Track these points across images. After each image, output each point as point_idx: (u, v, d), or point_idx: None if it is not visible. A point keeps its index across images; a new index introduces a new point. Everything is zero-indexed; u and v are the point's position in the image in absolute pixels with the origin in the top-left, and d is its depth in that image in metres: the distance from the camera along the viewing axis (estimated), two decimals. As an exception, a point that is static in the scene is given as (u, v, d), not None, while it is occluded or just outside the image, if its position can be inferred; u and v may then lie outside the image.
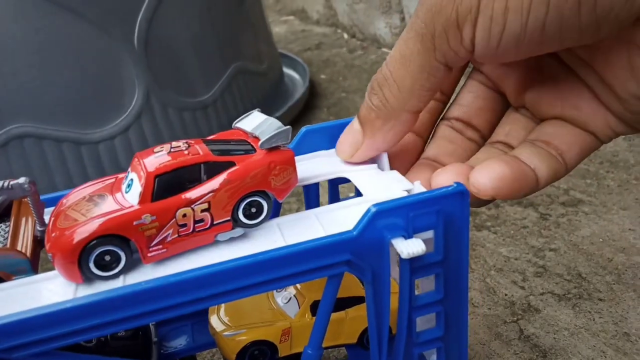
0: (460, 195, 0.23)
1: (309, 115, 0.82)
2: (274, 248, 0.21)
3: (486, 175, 0.25)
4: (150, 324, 0.31)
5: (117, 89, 0.64)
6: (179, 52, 0.69)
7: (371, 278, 0.23)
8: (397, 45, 0.26)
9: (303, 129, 0.33)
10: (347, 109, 0.82)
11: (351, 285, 0.29)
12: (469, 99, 0.31)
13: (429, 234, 0.24)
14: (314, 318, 0.27)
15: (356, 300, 0.29)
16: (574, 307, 0.39)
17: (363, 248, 0.23)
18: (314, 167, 0.32)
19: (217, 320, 0.28)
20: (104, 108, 0.65)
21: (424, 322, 0.27)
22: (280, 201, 0.25)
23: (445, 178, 0.25)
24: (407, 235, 0.23)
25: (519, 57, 0.25)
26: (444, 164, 0.29)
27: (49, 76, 0.60)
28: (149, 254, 0.22)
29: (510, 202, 0.52)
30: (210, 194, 0.22)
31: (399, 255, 0.23)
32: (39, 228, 0.25)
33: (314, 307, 0.28)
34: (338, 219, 0.25)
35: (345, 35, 1.25)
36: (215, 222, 0.23)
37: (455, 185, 0.23)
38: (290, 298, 0.29)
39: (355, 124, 0.28)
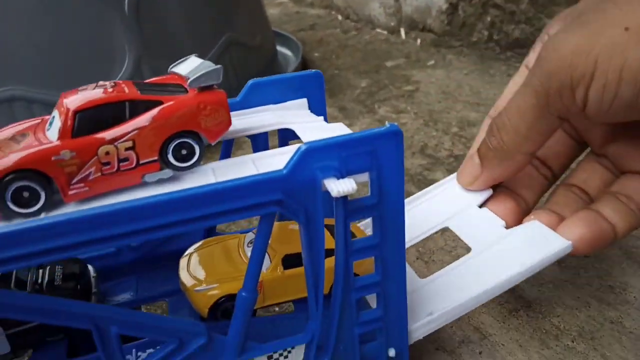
0: (393, 136, 0.23)
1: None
2: (202, 185, 0.21)
3: (568, 236, 0.29)
4: (92, 277, 0.30)
5: (108, 55, 0.63)
6: (170, 19, 0.67)
7: (304, 219, 0.23)
8: (514, 97, 0.30)
9: (250, 81, 0.32)
10: (340, 86, 0.82)
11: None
12: (550, 142, 0.33)
13: (364, 176, 0.23)
14: (286, 272, 0.28)
15: (327, 253, 0.29)
16: (560, 263, 0.40)
17: (294, 188, 0.22)
18: (260, 119, 0.31)
19: (187, 275, 0.28)
20: (94, 73, 0.63)
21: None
22: (212, 143, 0.24)
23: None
24: (340, 176, 0.22)
25: (628, 119, 0.27)
26: (521, 194, 0.35)
27: (39, 40, 0.59)
28: (70, 192, 0.21)
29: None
30: (135, 132, 0.22)
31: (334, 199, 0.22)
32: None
33: (286, 261, 0.28)
34: (275, 164, 0.24)
35: (340, 17, 1.25)
36: (141, 162, 0.22)
37: (388, 125, 0.23)
38: None
39: (475, 158, 0.33)
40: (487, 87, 0.74)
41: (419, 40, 0.98)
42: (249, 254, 0.29)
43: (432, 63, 0.87)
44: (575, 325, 0.35)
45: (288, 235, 0.30)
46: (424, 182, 0.53)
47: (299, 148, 0.22)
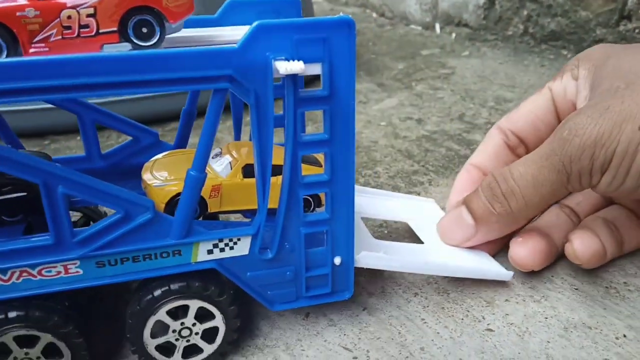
0: (346, 26, 0.23)
1: None
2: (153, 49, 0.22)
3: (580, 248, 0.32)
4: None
5: None
6: None
7: (254, 101, 0.24)
8: (529, 167, 0.31)
9: (228, 0, 0.33)
10: (377, 67, 0.85)
11: None
12: None
13: (317, 68, 0.24)
14: (245, 180, 0.29)
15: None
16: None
17: (246, 66, 0.23)
18: (232, 33, 0.32)
19: (150, 175, 0.29)
20: None
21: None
22: (173, 25, 0.25)
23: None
24: (291, 60, 0.23)
25: (627, 199, 0.34)
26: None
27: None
28: (31, 50, 0.22)
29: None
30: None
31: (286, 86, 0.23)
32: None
33: (246, 170, 0.29)
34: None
35: (374, 14, 1.28)
36: (101, 31, 0.23)
37: (340, 15, 0.23)
38: (225, 164, 0.30)
39: (467, 218, 0.32)
40: (521, 75, 0.76)
41: (453, 35, 1.01)
42: (213, 165, 0.30)
43: (466, 54, 0.89)
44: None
45: (252, 148, 0.30)
46: (464, 141, 0.55)
47: (252, 25, 0.23)
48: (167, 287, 0.25)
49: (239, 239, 0.26)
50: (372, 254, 0.29)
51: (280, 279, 0.27)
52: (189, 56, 0.22)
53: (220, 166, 0.30)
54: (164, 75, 0.22)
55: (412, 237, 0.37)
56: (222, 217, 0.37)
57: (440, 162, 0.51)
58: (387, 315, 0.31)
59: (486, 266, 0.32)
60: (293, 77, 0.23)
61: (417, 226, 0.36)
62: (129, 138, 0.35)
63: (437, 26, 1.12)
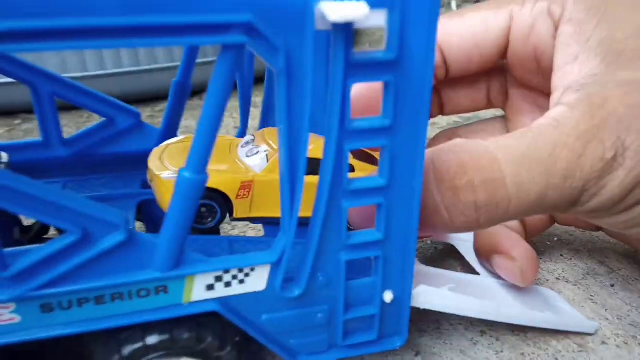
0: (430, -49, 0.15)
1: None
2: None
3: None
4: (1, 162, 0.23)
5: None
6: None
7: (285, 64, 0.15)
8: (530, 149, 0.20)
9: None
10: None
11: None
12: None
13: (380, 16, 0.16)
14: None
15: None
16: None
17: (273, 9, 0.15)
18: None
19: (158, 163, 0.22)
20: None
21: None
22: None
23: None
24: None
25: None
26: None
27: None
28: None
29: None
30: None
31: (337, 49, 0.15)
32: None
33: None
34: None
35: None
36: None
37: None
38: (257, 152, 0.22)
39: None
40: None
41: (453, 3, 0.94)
42: (241, 154, 0.22)
43: None
44: None
45: None
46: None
47: (285, -57, 0.14)
48: (141, 343, 0.17)
49: (252, 269, 0.18)
50: (434, 291, 0.21)
51: (308, 323, 0.19)
52: (186, -11, 0.14)
53: (252, 157, 0.22)
54: (156, 19, 0.13)
55: (459, 262, 0.29)
56: (231, 231, 0.29)
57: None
58: (446, 363, 0.23)
59: (567, 316, 0.24)
60: (346, 30, 0.15)
61: (465, 249, 0.28)
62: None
63: (453, 3, 1.05)
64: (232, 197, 0.21)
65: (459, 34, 0.25)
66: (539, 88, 0.26)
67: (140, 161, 0.25)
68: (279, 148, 0.17)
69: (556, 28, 0.23)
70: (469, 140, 0.20)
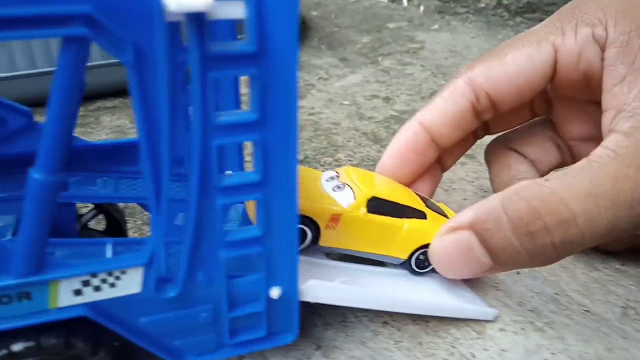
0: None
1: (300, 43, 0.78)
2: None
3: None
4: None
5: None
6: None
7: (133, 57, 0.15)
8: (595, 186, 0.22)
9: None
10: (340, 40, 0.76)
11: (412, 197, 0.26)
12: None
13: (237, 7, 0.15)
14: (369, 215, 0.24)
15: (417, 213, 0.25)
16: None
17: (114, 0, 0.14)
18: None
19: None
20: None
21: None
22: None
23: None
24: (192, -7, 0.14)
25: None
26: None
27: None
28: None
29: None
30: None
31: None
32: None
33: (372, 204, 0.24)
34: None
35: None
36: None
37: None
38: (343, 188, 0.24)
39: (480, 255, 0.22)
40: None
41: (422, 7, 0.93)
42: (327, 188, 0.25)
43: (436, 27, 0.82)
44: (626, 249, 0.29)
45: (380, 178, 0.27)
46: None
47: None
48: (5, 351, 0.16)
49: (123, 272, 0.17)
50: (323, 284, 0.21)
51: (192, 323, 0.19)
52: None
53: (339, 193, 0.24)
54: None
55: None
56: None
57: (411, 147, 0.43)
58: (347, 356, 0.23)
59: (468, 304, 0.25)
60: (197, 20, 0.15)
61: None
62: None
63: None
64: (322, 225, 0.23)
65: (506, 77, 0.26)
66: (587, 98, 0.27)
67: (32, 162, 0.24)
68: (139, 137, 0.16)
69: (603, 50, 0.24)
70: (535, 184, 0.21)
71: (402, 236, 0.24)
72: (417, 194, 0.27)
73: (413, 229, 0.24)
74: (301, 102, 0.55)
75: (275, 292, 0.20)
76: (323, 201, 0.23)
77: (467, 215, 0.22)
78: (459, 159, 0.31)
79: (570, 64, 0.25)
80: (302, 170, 0.28)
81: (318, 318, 0.25)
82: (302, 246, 0.23)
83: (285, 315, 0.20)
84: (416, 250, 0.25)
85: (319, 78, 0.61)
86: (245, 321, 0.20)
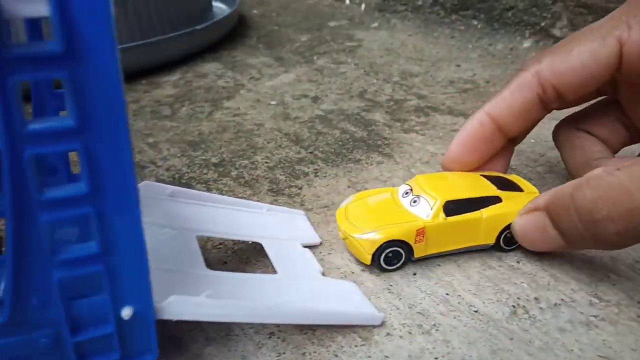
0: None
1: (237, 42, 0.75)
2: None
3: None
4: None
5: None
6: None
7: None
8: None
9: None
10: (278, 39, 0.75)
11: (483, 185, 0.29)
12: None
13: (40, 5, 0.14)
14: (449, 218, 0.27)
15: (491, 200, 0.28)
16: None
17: None
18: None
19: (349, 224, 0.28)
20: None
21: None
22: None
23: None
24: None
25: None
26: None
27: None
28: None
29: (441, 111, 0.49)
30: None
31: None
32: None
33: (448, 208, 0.27)
34: None
35: None
36: None
37: None
38: (418, 200, 0.28)
39: (553, 234, 0.25)
40: (430, 47, 0.69)
41: (363, 5, 0.93)
42: (405, 204, 0.28)
43: (375, 25, 0.82)
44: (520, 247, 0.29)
45: (448, 183, 0.29)
46: (361, 122, 0.47)
47: None
48: None
49: (-64, 298, 0.16)
50: (187, 300, 0.19)
51: (30, 349, 0.17)
52: None
53: (417, 207, 0.27)
54: None
55: (265, 264, 0.28)
56: None
57: (331, 147, 0.42)
58: (225, 373, 0.22)
59: (355, 309, 0.24)
60: (-22, 19, 0.13)
61: (273, 249, 0.27)
62: None
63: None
64: (411, 242, 0.27)
65: (571, 71, 0.27)
66: None
67: None
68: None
69: None
70: (606, 173, 0.23)
71: (484, 225, 0.27)
72: (485, 176, 0.29)
73: (491, 216, 0.27)
74: (227, 103, 0.53)
75: (126, 312, 0.18)
76: (406, 220, 0.27)
77: (543, 198, 0.26)
78: (527, 134, 0.32)
79: (636, 56, 0.26)
80: (378, 192, 0.31)
81: (199, 333, 0.24)
82: (399, 264, 0.27)
83: (141, 336, 0.19)
84: (501, 233, 0.28)
85: (251, 78, 0.60)
86: (94, 345, 0.18)
